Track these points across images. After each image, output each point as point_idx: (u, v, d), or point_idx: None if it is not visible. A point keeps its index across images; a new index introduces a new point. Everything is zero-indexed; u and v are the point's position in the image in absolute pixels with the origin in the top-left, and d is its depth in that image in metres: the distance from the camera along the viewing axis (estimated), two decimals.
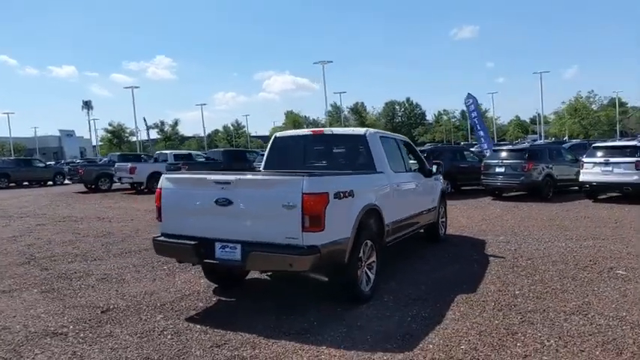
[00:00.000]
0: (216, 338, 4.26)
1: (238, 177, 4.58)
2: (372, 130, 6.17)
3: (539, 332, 4.18)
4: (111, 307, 5.25)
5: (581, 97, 34.37)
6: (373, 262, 5.28)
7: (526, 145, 19.47)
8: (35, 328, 4.62)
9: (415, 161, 7.61)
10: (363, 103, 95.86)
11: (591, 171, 13.22)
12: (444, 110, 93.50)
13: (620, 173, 12.59)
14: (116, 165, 22.11)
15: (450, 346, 3.95)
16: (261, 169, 6.70)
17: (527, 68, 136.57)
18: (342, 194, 4.59)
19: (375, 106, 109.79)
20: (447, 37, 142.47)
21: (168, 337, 4.34)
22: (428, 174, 7.43)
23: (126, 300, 5.48)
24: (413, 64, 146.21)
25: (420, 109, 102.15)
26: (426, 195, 7.46)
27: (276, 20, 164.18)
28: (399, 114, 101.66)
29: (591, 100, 33.83)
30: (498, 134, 75.65)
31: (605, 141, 17.45)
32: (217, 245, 4.68)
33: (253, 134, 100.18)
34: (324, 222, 4.29)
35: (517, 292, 5.34)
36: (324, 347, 4.00)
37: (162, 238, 4.99)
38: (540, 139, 41.35)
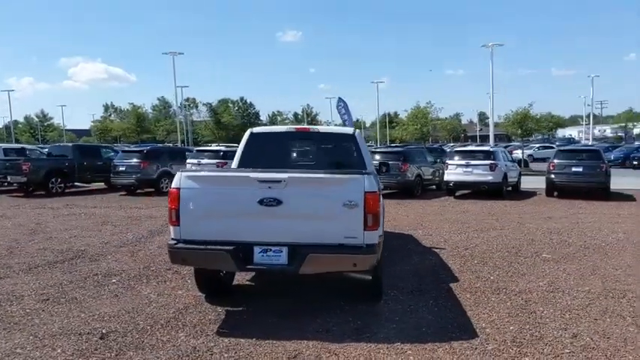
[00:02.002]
0: (279, 349, 3.98)
1: (291, 175, 4.31)
2: (357, 129, 6.32)
3: (545, 308, 4.92)
4: (105, 331, 4.39)
5: (420, 107, 39.57)
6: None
7: (400, 148, 20.97)
8: None
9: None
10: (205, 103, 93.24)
11: (454, 172, 15.37)
12: (278, 111, 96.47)
13: (478, 174, 14.94)
14: None
15: (501, 327, 4.40)
16: (233, 166, 6.26)
17: (347, 75, 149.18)
18: (381, 193, 4.69)
19: (210, 101, 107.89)
20: (274, 40, 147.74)
21: (225, 355, 3.88)
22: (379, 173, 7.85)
23: (113, 322, 4.64)
24: (246, 65, 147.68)
25: (254, 108, 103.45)
26: None
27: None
28: (233, 112, 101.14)
29: (429, 109, 39.24)
30: None
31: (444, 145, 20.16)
32: (256, 250, 4.33)
33: (70, 127, 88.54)
34: (380, 220, 4.34)
35: (491, 278, 6.09)
36: (397, 343, 4.08)
37: (182, 245, 4.37)
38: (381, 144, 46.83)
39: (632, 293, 5.36)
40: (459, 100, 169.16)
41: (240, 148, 6.27)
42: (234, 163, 6.23)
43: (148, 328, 4.47)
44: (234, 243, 4.31)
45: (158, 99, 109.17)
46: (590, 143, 41.83)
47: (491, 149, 15.76)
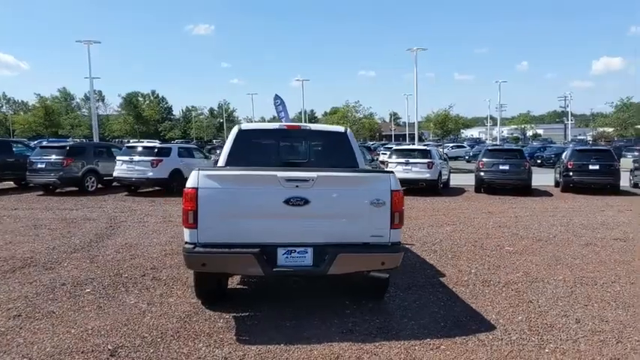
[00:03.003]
0: (314, 353, 3.88)
1: (320, 174, 4.18)
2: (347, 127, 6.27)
3: (537, 297, 5.27)
4: (111, 347, 3.97)
5: (348, 106, 40.38)
6: None
7: None
8: None
9: None
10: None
11: (395, 169, 15.87)
12: (193, 106, 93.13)
13: (416, 171, 15.60)
14: None
15: (510, 318, 4.65)
16: (220, 163, 5.93)
17: (262, 72, 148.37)
18: None
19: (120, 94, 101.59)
20: (184, 33, 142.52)
21: None
22: None
23: (113, 336, 4.21)
24: (154, 58, 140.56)
25: (166, 102, 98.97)
26: None
27: None
28: (144, 107, 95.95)
29: (357, 108, 40.21)
30: None
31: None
32: (280, 251, 4.16)
33: None
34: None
35: (473, 271, 6.40)
36: (427, 339, 4.13)
37: (202, 249, 4.06)
38: None
39: (602, 280, 5.92)
40: (370, 100, 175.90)
41: (227, 145, 5.95)
42: (221, 161, 5.90)
43: (159, 340, 4.11)
44: (258, 245, 4.10)
45: (59, 90, 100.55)
46: (497, 143, 45.45)
47: (428, 148, 16.56)
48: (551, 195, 15.97)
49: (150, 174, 15.45)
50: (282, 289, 5.58)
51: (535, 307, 4.98)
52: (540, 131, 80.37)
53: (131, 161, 15.67)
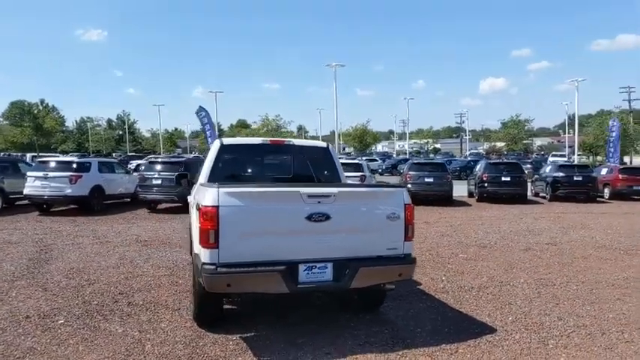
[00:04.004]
0: None
1: (341, 190, 4.23)
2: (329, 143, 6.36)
3: (514, 299, 5.74)
4: None
5: (269, 118, 40.48)
6: None
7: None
8: None
9: None
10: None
11: None
12: (88, 117, 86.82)
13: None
14: None
15: (503, 319, 5.01)
16: (202, 179, 5.69)
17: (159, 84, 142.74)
18: None
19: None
20: (73, 38, 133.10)
21: None
22: None
23: None
24: (43, 64, 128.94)
25: (58, 112, 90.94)
26: None
27: None
28: (45, 117, 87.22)
29: (277, 122, 40.35)
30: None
31: None
32: (301, 268, 4.12)
33: None
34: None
35: (444, 279, 6.76)
36: (444, 345, 4.32)
37: (226, 270, 3.88)
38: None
39: (558, 281, 6.59)
40: (275, 112, 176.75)
41: (209, 160, 5.75)
42: (203, 176, 5.68)
43: None
44: (280, 262, 4.03)
45: None
46: (406, 157, 48.15)
47: (359, 161, 17.11)
48: (469, 205, 17.31)
49: (68, 191, 14.17)
50: (271, 307, 5.46)
51: (517, 308, 5.42)
52: (438, 145, 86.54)
53: (45, 177, 14.24)
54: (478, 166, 19.79)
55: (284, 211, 4.10)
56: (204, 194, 4.05)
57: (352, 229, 4.27)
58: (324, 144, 6.32)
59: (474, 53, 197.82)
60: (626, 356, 4.13)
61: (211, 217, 3.89)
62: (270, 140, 6.23)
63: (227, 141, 5.96)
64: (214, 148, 5.81)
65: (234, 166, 5.93)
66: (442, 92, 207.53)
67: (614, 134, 27.80)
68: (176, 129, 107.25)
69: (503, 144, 57.59)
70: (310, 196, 4.11)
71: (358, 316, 5.11)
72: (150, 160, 16.88)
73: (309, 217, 4.09)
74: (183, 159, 17.32)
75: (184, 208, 14.67)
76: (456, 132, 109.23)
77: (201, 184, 4.98)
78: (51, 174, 14.35)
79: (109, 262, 7.77)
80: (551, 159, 41.12)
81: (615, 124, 28.53)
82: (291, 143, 6.21)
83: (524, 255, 8.39)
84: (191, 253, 7.79)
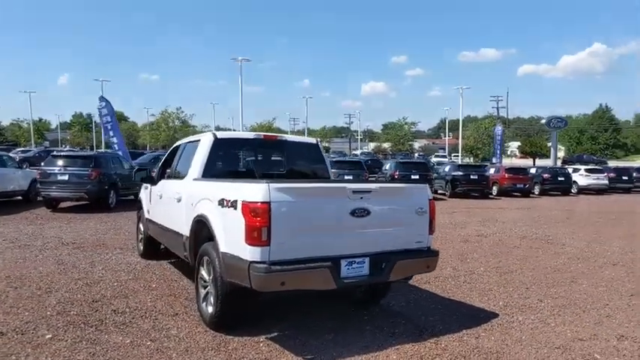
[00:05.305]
0: (394, 357, 3.95)
1: (380, 185, 4.33)
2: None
3: (496, 287, 6.27)
4: None
5: (167, 112, 37.86)
6: None
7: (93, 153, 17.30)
8: None
9: None
10: None
11: None
12: None
13: None
14: None
15: (497, 303, 5.46)
16: (195, 174, 5.31)
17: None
18: None
19: None
20: None
21: None
22: None
23: None
24: None
25: None
26: None
27: None
28: None
29: (179, 114, 38.03)
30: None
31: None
32: (343, 263, 4.11)
33: None
34: None
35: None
36: (463, 330, 4.60)
37: (279, 267, 3.71)
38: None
39: (513, 268, 7.32)
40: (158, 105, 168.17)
41: (202, 154, 5.37)
42: (197, 171, 5.31)
43: None
44: (325, 258, 3.98)
45: None
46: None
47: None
48: None
49: None
50: (271, 306, 5.29)
51: (498, 294, 5.93)
52: (327, 144, 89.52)
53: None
54: (388, 165, 21.04)
55: (331, 206, 4.05)
56: (249, 190, 3.84)
57: (387, 224, 4.36)
58: (313, 140, 6.29)
59: (357, 57, 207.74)
60: (617, 327, 4.78)
61: (262, 214, 3.70)
62: (264, 135, 6.05)
63: (221, 135, 5.63)
64: (207, 141, 5.47)
65: (228, 160, 5.65)
66: (327, 93, 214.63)
67: (499, 138, 31.40)
68: (40, 119, 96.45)
69: (388, 145, 61.52)
70: (355, 191, 4.13)
71: (367, 310, 5.18)
72: (53, 154, 15.10)
73: (353, 213, 4.10)
74: (93, 154, 15.74)
75: (94, 207, 13.48)
76: (340, 132, 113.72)
77: (238, 181, 4.41)
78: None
79: (48, 268, 6.85)
80: (434, 159, 44.96)
81: (500, 129, 32.28)
82: (284, 139, 6.07)
83: (466, 246, 9.14)
84: (144, 256, 7.25)
